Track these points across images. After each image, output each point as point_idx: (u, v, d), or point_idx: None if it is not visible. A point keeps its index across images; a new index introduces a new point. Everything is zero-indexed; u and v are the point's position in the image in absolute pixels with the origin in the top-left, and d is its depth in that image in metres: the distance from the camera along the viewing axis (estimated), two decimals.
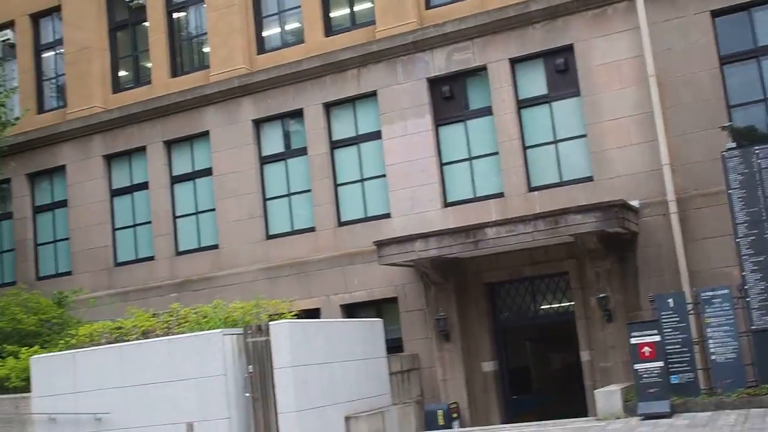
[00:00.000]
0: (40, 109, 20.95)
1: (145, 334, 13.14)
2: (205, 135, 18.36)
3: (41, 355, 13.81)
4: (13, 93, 19.15)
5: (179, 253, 18.45)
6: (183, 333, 12.79)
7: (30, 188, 20.56)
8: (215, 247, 17.98)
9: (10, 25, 21.35)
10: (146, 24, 19.72)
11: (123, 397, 12.70)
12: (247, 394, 12.00)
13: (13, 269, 20.47)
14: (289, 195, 17.65)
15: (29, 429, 13.62)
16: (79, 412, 12.92)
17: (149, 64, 19.60)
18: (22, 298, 16.37)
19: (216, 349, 11.99)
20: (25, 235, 20.37)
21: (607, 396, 12.70)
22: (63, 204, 20.00)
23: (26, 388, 13.67)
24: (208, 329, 12.48)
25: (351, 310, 16.60)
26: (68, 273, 19.54)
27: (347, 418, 12.78)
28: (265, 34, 18.58)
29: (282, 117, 17.80)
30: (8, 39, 21.18)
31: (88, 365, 13.15)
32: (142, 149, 19.04)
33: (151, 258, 18.70)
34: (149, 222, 18.90)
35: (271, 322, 12.19)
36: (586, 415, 13.81)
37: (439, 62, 16.27)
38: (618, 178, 14.65)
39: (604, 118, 14.89)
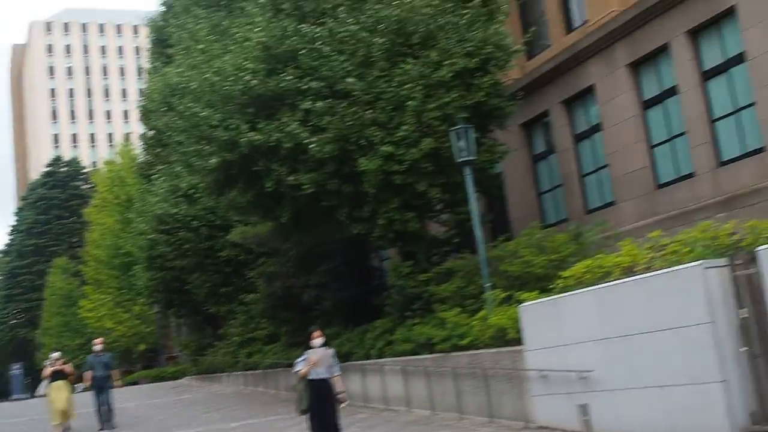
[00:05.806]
0: (568, 29, 19.19)
1: (627, 273, 10.49)
2: (730, 14, 14.50)
3: (529, 303, 12.10)
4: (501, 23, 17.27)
5: (722, 164, 14.93)
6: (662, 269, 9.84)
7: (567, 116, 18.92)
8: (761, 151, 14.09)
9: None
10: None
11: (604, 352, 10.34)
12: (743, 349, 8.65)
13: (564, 205, 19.10)
14: None
15: (526, 386, 12.06)
16: (565, 368, 10.94)
17: None
18: (535, 237, 14.70)
19: (696, 287, 8.88)
20: (569, 167, 18.81)
21: None
22: (598, 128, 17.92)
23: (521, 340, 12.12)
24: (690, 262, 9.34)
25: None
26: (612, 203, 17.45)
27: None
28: None
29: None
30: None
31: (569, 313, 11.08)
32: (665, 48, 15.92)
33: (690, 175, 15.53)
34: (683, 133, 15.72)
35: (760, 247, 8.54)
36: None
37: None
38: None
39: None
